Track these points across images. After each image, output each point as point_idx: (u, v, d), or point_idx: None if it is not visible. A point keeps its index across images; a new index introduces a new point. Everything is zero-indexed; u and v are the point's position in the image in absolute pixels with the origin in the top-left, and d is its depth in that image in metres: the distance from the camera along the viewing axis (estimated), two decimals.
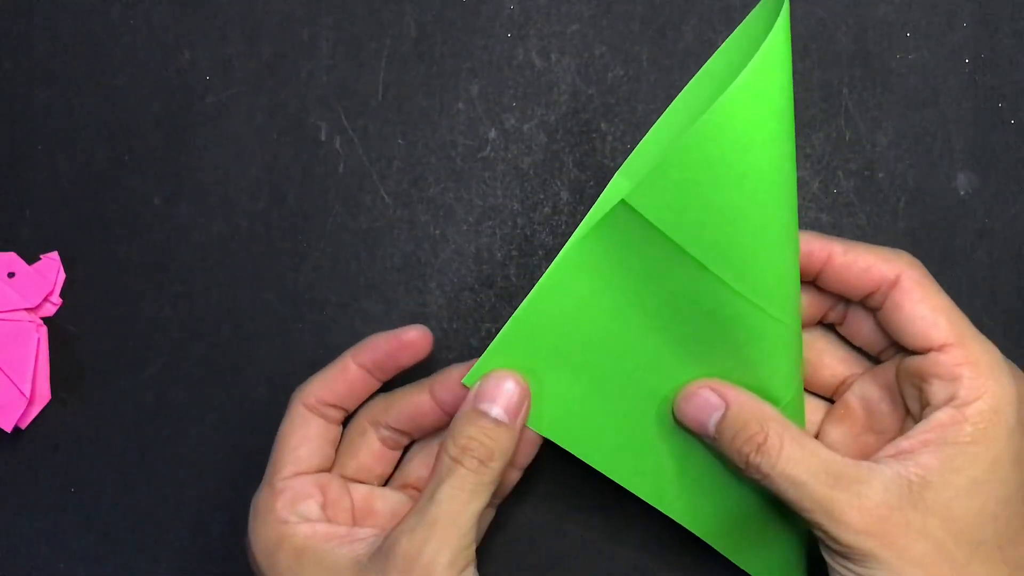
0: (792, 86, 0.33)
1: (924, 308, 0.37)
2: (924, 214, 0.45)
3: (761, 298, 0.36)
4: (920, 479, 0.35)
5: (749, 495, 0.40)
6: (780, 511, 0.40)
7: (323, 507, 0.39)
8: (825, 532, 0.35)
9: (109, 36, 0.47)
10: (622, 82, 0.46)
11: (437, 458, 0.37)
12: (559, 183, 0.46)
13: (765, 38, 0.32)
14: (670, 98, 0.45)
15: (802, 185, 0.45)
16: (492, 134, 0.46)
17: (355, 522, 0.40)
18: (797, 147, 0.45)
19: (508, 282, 0.46)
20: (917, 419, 0.37)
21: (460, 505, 0.36)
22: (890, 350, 0.39)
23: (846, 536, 0.34)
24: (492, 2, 0.46)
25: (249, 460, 0.46)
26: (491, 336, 0.45)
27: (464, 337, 0.46)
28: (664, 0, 0.46)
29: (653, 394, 0.39)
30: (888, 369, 0.40)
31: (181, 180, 0.47)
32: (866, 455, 0.37)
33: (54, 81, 0.47)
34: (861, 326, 0.40)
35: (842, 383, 0.41)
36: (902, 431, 0.38)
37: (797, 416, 0.39)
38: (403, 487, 0.42)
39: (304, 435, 0.40)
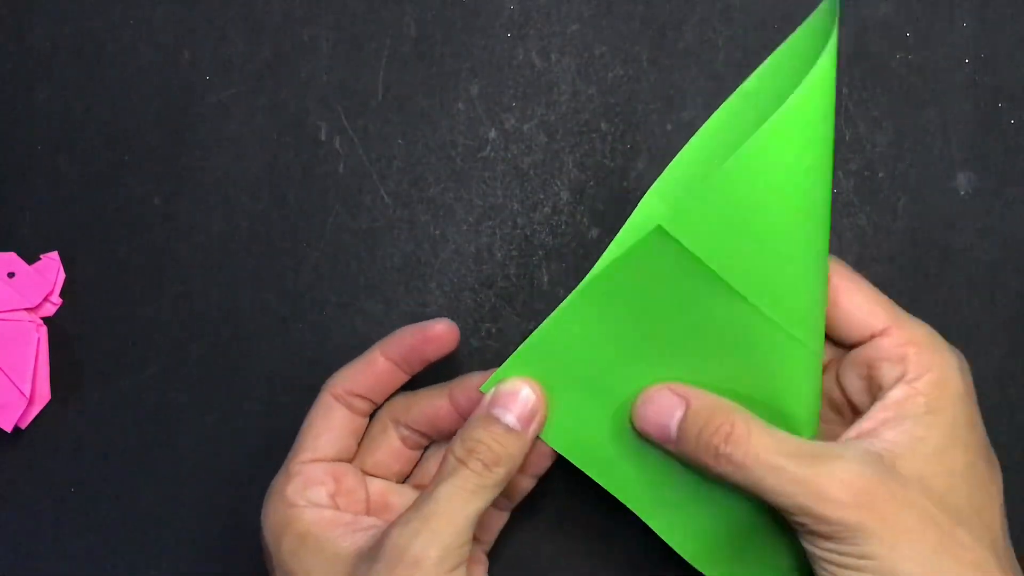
0: (835, 112, 0.33)
1: (859, 299, 0.37)
2: (924, 214, 0.45)
3: (793, 325, 0.35)
4: (889, 452, 0.35)
5: (753, 527, 0.39)
6: (784, 543, 0.40)
7: (334, 495, 0.40)
8: (810, 514, 0.34)
9: (109, 36, 0.47)
10: (622, 82, 0.46)
11: (444, 457, 0.37)
12: (559, 183, 0.46)
13: (813, 58, 0.31)
14: (670, 98, 0.45)
15: None
16: (492, 134, 0.46)
17: (368, 513, 0.41)
18: None
19: (508, 282, 0.46)
20: (866, 410, 0.37)
21: (458, 504, 0.36)
22: (830, 355, 0.40)
23: (834, 512, 0.34)
24: (492, 2, 0.47)
25: (249, 460, 0.46)
26: (491, 336, 0.45)
27: (464, 337, 0.45)
28: (664, 0, 0.46)
29: None
30: (830, 371, 0.40)
31: (181, 180, 0.47)
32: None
33: (54, 81, 0.47)
34: None
35: None
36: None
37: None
38: (419, 486, 0.42)
39: (326, 424, 0.41)
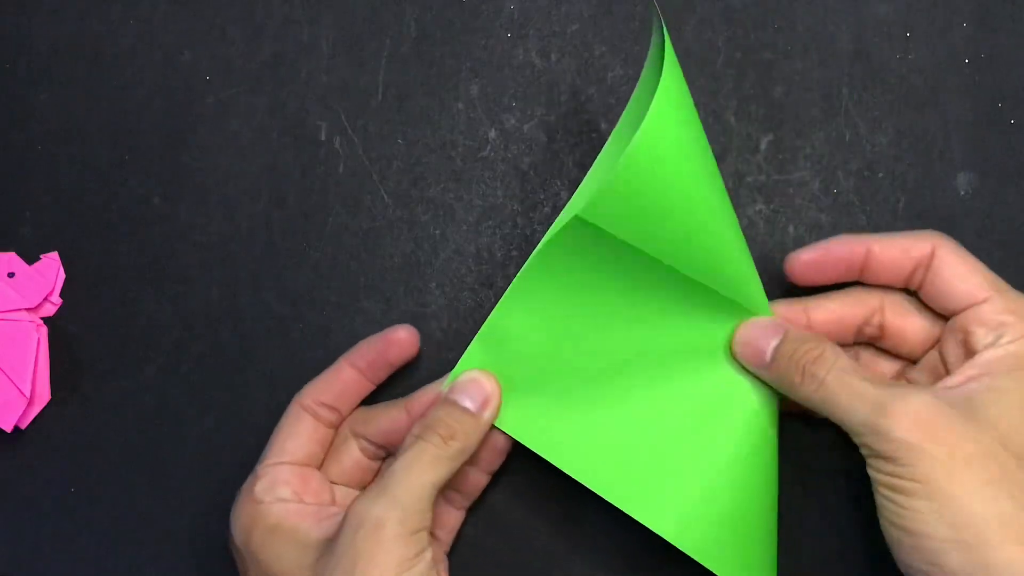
0: (691, 102, 0.38)
1: (963, 269, 0.39)
2: (924, 214, 0.45)
3: (711, 280, 0.39)
4: (966, 399, 0.36)
5: (721, 492, 0.40)
6: (753, 508, 0.40)
7: (300, 493, 0.41)
8: (875, 431, 0.36)
9: (109, 36, 0.47)
10: (622, 82, 0.46)
11: (403, 442, 0.40)
12: (559, 183, 0.46)
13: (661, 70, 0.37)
14: None
15: (802, 185, 0.45)
16: (492, 134, 0.46)
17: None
18: (798, 147, 0.45)
19: (508, 282, 0.45)
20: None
21: (415, 474, 0.38)
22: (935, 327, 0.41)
23: (897, 431, 0.35)
24: (492, 2, 0.47)
25: (249, 460, 0.46)
26: None
27: (464, 337, 0.45)
28: (664, 0, 0.46)
29: (619, 392, 0.41)
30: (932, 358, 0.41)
31: (181, 180, 0.47)
32: None
33: (54, 81, 0.47)
34: (903, 326, 0.41)
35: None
36: None
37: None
38: None
39: (293, 431, 0.42)
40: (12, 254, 0.46)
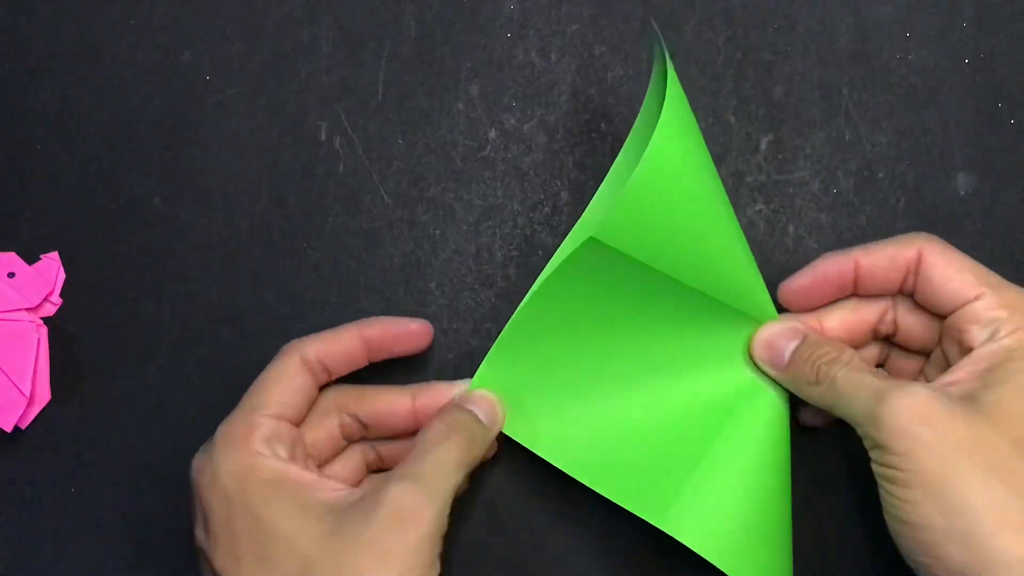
0: (695, 122, 0.39)
1: (950, 270, 0.39)
2: (924, 214, 0.45)
3: (721, 294, 0.39)
4: (964, 393, 0.36)
5: (737, 497, 0.40)
6: (768, 512, 0.40)
7: (292, 456, 0.40)
8: (875, 420, 0.36)
9: (109, 36, 0.47)
10: (622, 82, 0.46)
11: (421, 436, 0.39)
12: (559, 183, 0.46)
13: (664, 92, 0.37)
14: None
15: (802, 185, 0.45)
16: (492, 134, 0.46)
17: None
18: (798, 147, 0.45)
19: (508, 282, 0.46)
20: None
21: (447, 471, 0.38)
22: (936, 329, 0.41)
23: (894, 417, 0.35)
24: (492, 2, 0.47)
25: None
26: (491, 336, 0.45)
27: (464, 337, 0.46)
28: (664, 0, 0.46)
29: (634, 403, 0.42)
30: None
31: (181, 180, 0.47)
32: None
33: (54, 81, 0.47)
34: (911, 325, 0.41)
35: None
36: None
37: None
38: (331, 476, 0.42)
39: (292, 386, 0.41)
40: (12, 254, 0.46)
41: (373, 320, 0.43)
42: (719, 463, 0.40)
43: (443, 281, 0.46)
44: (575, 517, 0.45)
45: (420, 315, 0.45)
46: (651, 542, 0.44)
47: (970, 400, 0.36)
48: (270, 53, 0.47)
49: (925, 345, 0.41)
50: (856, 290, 0.41)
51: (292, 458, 0.40)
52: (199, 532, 0.39)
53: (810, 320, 0.42)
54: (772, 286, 0.45)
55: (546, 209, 0.46)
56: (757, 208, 0.45)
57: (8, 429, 0.45)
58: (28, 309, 0.46)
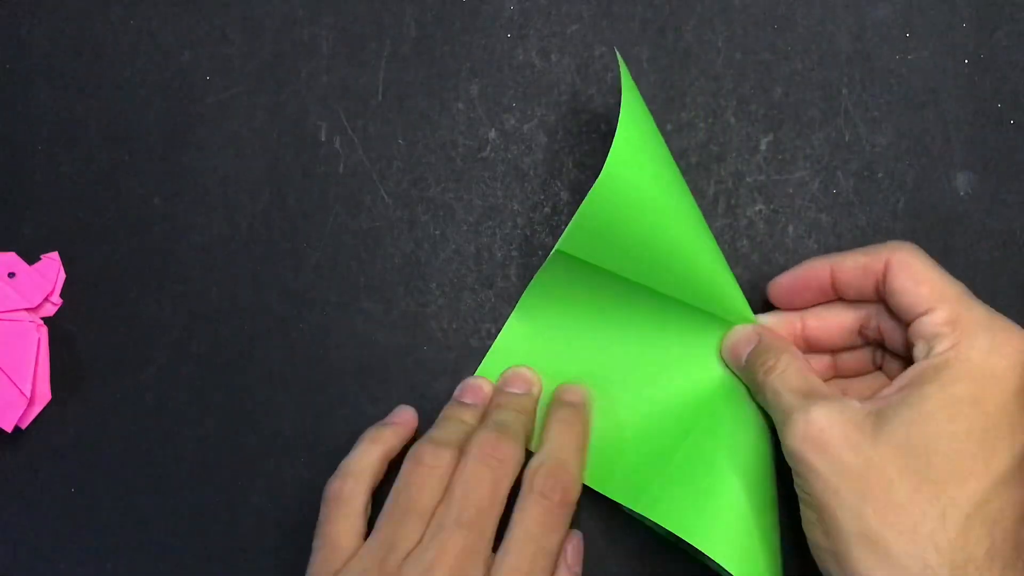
0: (656, 131, 0.40)
1: (909, 283, 0.39)
2: (924, 214, 0.45)
3: (691, 297, 0.41)
4: (876, 412, 0.36)
5: (721, 489, 0.41)
6: (752, 503, 0.41)
7: None
8: (781, 439, 0.38)
9: (109, 36, 0.47)
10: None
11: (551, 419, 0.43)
12: (559, 183, 0.46)
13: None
14: (670, 98, 0.45)
15: (801, 185, 0.45)
16: (492, 134, 0.46)
17: None
18: (798, 147, 0.45)
19: (508, 282, 0.46)
20: None
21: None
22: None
23: (791, 441, 0.37)
24: (492, 2, 0.47)
25: (249, 460, 0.46)
26: (491, 336, 0.45)
27: (464, 337, 0.46)
28: (663, 1, 0.46)
29: (614, 406, 0.44)
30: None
31: (181, 180, 0.47)
32: None
33: (54, 81, 0.47)
34: (891, 332, 0.41)
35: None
36: None
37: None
38: None
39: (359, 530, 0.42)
40: (12, 254, 0.46)
41: (388, 436, 0.43)
42: (696, 453, 0.42)
43: (443, 281, 0.46)
44: (575, 518, 0.45)
45: (420, 315, 0.46)
46: (651, 543, 0.44)
47: (878, 419, 0.36)
48: (270, 53, 0.47)
49: (906, 351, 0.41)
50: (837, 295, 0.42)
51: None
52: None
53: (793, 320, 0.42)
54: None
55: (546, 209, 0.46)
56: (757, 208, 0.45)
57: (8, 429, 0.45)
58: (28, 309, 0.46)
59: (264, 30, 0.47)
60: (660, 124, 0.45)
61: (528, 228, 0.46)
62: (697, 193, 0.45)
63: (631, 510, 0.43)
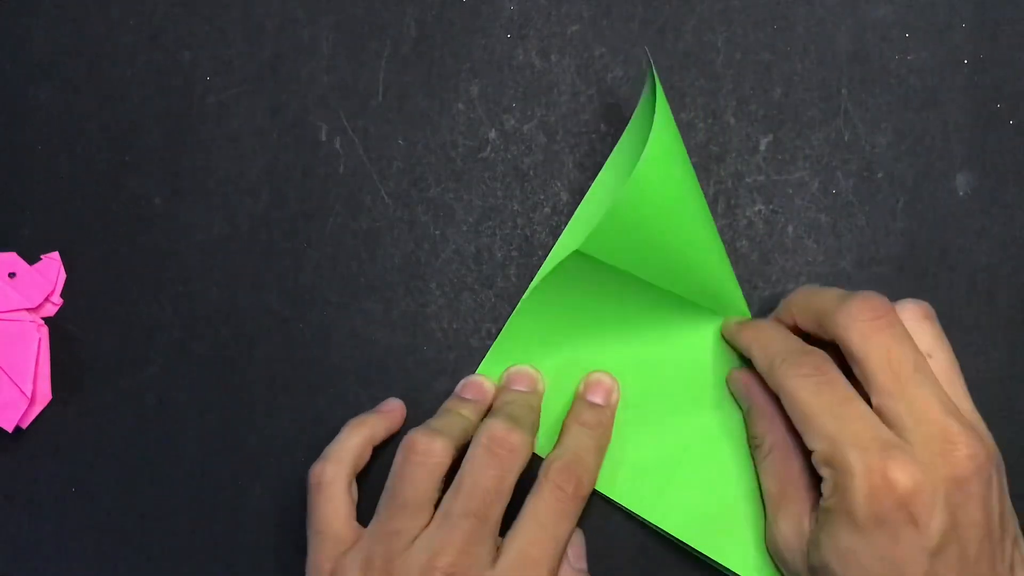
0: (680, 140, 0.41)
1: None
2: (923, 214, 0.45)
3: (699, 298, 0.42)
4: (812, 532, 0.38)
5: (722, 488, 0.42)
6: (752, 502, 0.42)
7: None
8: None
9: (109, 36, 0.47)
10: (622, 83, 0.46)
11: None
12: (559, 184, 0.46)
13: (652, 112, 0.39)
14: (670, 98, 0.45)
15: (801, 185, 0.45)
16: (492, 134, 0.46)
17: None
18: (797, 148, 0.45)
19: (508, 282, 0.46)
20: None
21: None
22: None
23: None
24: (492, 3, 0.47)
25: (249, 460, 0.46)
26: (491, 336, 0.45)
27: (464, 337, 0.46)
28: (663, 1, 0.46)
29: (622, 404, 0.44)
30: None
31: (182, 180, 0.47)
32: None
33: (55, 81, 0.47)
34: None
35: None
36: None
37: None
38: None
39: (346, 512, 0.42)
40: (13, 254, 0.46)
41: (372, 421, 0.44)
42: (703, 459, 0.43)
43: (443, 281, 0.46)
44: None
45: (420, 315, 0.46)
46: (650, 543, 0.44)
47: (813, 539, 0.38)
48: (270, 53, 0.47)
49: None
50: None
51: None
52: None
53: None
54: (771, 285, 0.45)
55: (546, 209, 0.46)
56: (757, 208, 0.45)
57: (9, 429, 0.45)
58: (29, 309, 0.46)
59: (264, 30, 0.47)
60: None
61: (528, 228, 0.46)
62: None
63: (637, 515, 0.43)
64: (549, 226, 0.46)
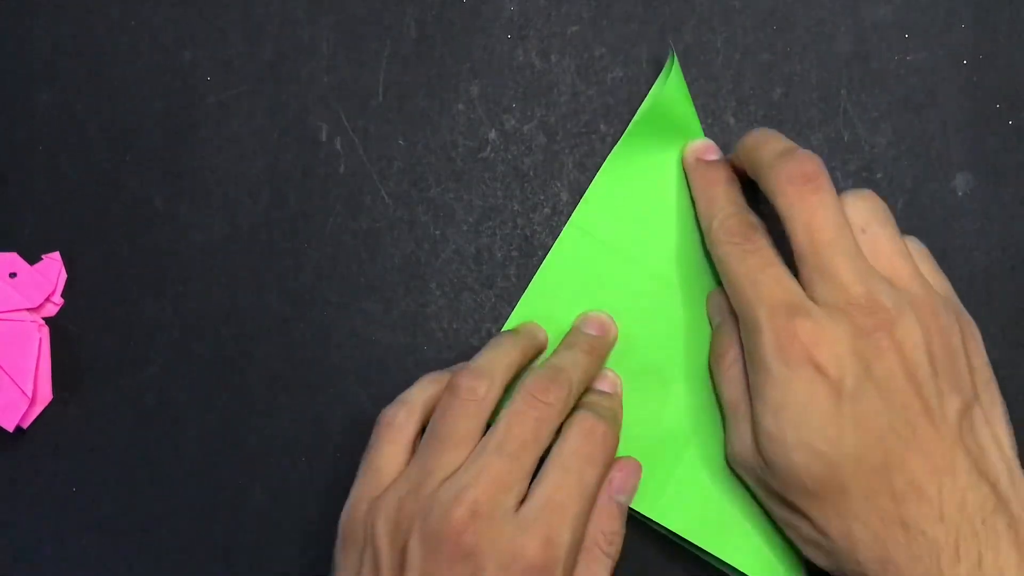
0: (696, 119, 0.42)
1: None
2: (922, 215, 0.45)
3: (694, 278, 0.43)
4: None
5: (732, 491, 0.42)
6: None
7: None
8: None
9: (109, 36, 0.47)
10: (622, 83, 0.46)
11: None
12: (559, 184, 0.46)
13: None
14: None
15: None
16: (492, 135, 0.46)
17: None
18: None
19: (508, 282, 0.46)
20: None
21: None
22: None
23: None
24: (492, 3, 0.47)
25: (249, 460, 0.46)
26: (491, 336, 0.45)
27: (464, 337, 0.46)
28: (663, 1, 0.46)
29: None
30: None
31: (182, 180, 0.47)
32: None
33: (55, 81, 0.47)
34: None
35: None
36: None
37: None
38: None
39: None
40: (14, 254, 0.46)
41: (444, 377, 0.42)
42: (706, 454, 0.42)
43: (443, 281, 0.46)
44: None
45: (420, 315, 0.46)
46: (649, 544, 0.44)
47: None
48: (270, 53, 0.47)
49: None
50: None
51: None
52: None
53: None
54: None
55: (546, 210, 0.46)
56: (757, 208, 0.45)
57: (10, 429, 0.45)
58: (30, 309, 0.46)
59: (264, 30, 0.47)
60: None
61: (528, 228, 0.46)
62: None
63: (640, 513, 0.43)
64: (549, 226, 0.46)
